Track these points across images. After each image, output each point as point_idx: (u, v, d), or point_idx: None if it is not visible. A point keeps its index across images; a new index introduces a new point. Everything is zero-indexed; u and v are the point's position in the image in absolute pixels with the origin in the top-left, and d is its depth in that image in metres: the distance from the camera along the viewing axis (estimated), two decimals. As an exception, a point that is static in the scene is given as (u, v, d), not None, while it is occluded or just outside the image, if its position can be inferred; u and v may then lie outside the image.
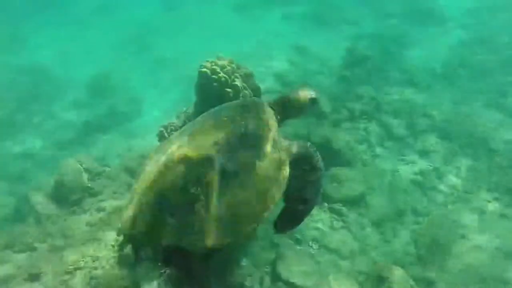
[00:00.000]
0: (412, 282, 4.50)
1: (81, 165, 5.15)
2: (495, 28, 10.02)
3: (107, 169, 5.42)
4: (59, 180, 5.00)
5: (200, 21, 13.41)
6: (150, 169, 2.74)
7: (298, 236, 5.34)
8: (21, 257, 4.34)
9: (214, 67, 4.60)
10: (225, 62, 4.68)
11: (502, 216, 5.28)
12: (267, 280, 4.72)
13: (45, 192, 5.09)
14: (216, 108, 3.08)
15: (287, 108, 3.12)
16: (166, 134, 5.02)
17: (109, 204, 4.96)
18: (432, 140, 6.78)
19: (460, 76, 8.67)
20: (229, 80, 4.55)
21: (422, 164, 6.44)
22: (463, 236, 5.04)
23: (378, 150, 6.76)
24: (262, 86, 8.79)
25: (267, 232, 5.36)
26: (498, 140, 6.50)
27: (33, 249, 4.40)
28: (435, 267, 4.75)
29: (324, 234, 5.40)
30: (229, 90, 4.47)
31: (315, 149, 3.05)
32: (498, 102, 7.66)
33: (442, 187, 5.98)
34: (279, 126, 3.05)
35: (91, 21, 14.26)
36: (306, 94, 3.12)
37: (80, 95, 9.92)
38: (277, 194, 2.77)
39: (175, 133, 3.11)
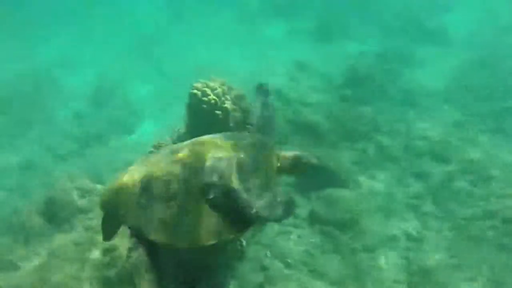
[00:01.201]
0: (400, 313, 4.41)
1: (72, 182, 5.16)
2: (499, 52, 9.90)
3: (99, 186, 5.41)
4: (49, 196, 5.02)
5: (204, 34, 13.56)
6: (152, 156, 3.04)
7: (289, 260, 5.27)
8: (3, 276, 4.32)
9: (204, 88, 4.61)
10: (216, 84, 4.69)
11: (498, 246, 5.14)
12: (255, 304, 4.66)
13: (35, 208, 5.10)
14: (234, 133, 3.39)
15: (291, 165, 3.27)
16: (156, 154, 5.02)
17: (98, 222, 4.94)
18: (429, 164, 6.67)
19: (461, 99, 8.57)
20: (219, 102, 4.56)
21: (418, 187, 6.34)
22: (455, 266, 4.91)
23: (374, 172, 6.67)
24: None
25: (257, 254, 5.34)
26: (496, 165, 6.37)
27: (17, 267, 4.39)
28: (425, 298, 4.63)
29: (314, 257, 5.32)
30: (218, 112, 4.47)
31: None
32: (497, 127, 7.53)
33: (437, 212, 5.86)
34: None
35: (97, 29, 14.50)
36: (308, 159, 3.31)
37: (82, 106, 10.06)
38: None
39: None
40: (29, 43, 13.60)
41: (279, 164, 3.22)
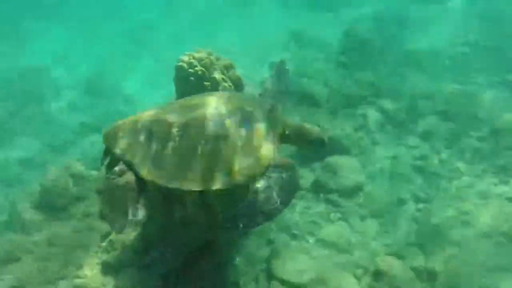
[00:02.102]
0: (412, 275, 4.27)
1: (66, 169, 5.03)
2: (503, 6, 9.41)
3: (95, 172, 5.28)
4: (44, 186, 4.91)
5: (194, 12, 13.19)
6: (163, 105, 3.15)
7: (295, 231, 5.14)
8: (4, 270, 4.25)
9: (191, 60, 4.40)
10: (202, 55, 4.47)
11: (510, 199, 4.94)
12: (262, 278, 4.54)
13: (32, 199, 5.01)
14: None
15: (296, 134, 3.27)
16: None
17: (96, 208, 4.84)
18: (433, 123, 6.41)
19: (464, 55, 8.21)
20: (207, 73, 4.35)
21: (424, 148, 6.11)
22: (467, 223, 4.73)
23: (377, 136, 6.44)
24: (259, 76, 8.68)
25: (263, 229, 5.20)
26: (504, 119, 6.08)
27: (18, 259, 4.31)
28: (437, 257, 4.47)
29: (320, 227, 5.17)
30: (207, 83, 4.27)
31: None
32: (504, 79, 7.20)
33: (444, 171, 5.65)
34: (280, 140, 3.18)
35: (86, 20, 14.17)
36: (319, 133, 3.32)
37: (77, 96, 9.90)
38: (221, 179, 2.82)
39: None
40: (19, 37, 13.35)
41: (286, 132, 3.21)
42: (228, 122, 2.83)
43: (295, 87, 7.12)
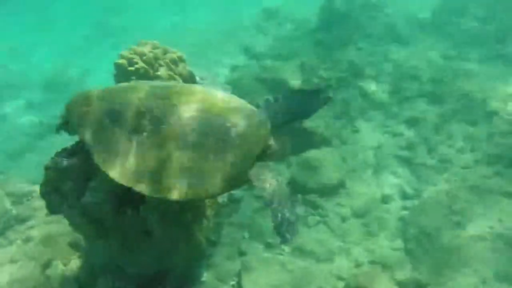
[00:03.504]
0: (397, 289, 3.78)
1: (2, 188, 4.38)
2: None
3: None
4: (-24, 210, 4.27)
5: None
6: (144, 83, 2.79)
7: (269, 240, 4.60)
8: None
9: (131, 55, 3.71)
10: (145, 49, 3.78)
11: (506, 194, 4.40)
12: (234, 294, 4.05)
13: (-35, 225, 4.37)
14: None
15: (278, 155, 2.93)
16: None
17: (39, 231, 4.23)
18: (420, 106, 5.84)
19: (452, 26, 7.53)
20: (151, 71, 3.67)
21: (410, 135, 5.55)
22: (458, 224, 4.22)
23: (359, 123, 5.86)
24: (233, 62, 7.97)
25: (234, 236, 4.68)
26: (498, 99, 5.51)
27: None
28: (426, 265, 3.98)
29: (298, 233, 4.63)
30: (151, 83, 3.60)
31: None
32: (497, 52, 6.58)
33: (433, 162, 5.11)
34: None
35: (43, 11, 13.10)
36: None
37: (35, 94, 9.05)
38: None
39: None
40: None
41: (268, 151, 2.77)
42: (205, 130, 2.49)
43: (267, 72, 6.45)
